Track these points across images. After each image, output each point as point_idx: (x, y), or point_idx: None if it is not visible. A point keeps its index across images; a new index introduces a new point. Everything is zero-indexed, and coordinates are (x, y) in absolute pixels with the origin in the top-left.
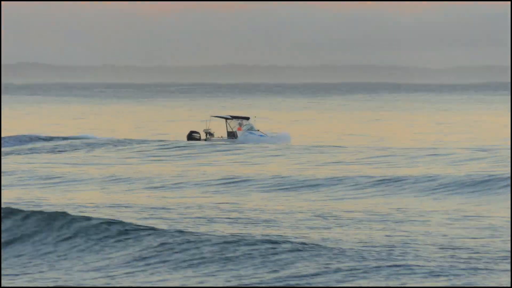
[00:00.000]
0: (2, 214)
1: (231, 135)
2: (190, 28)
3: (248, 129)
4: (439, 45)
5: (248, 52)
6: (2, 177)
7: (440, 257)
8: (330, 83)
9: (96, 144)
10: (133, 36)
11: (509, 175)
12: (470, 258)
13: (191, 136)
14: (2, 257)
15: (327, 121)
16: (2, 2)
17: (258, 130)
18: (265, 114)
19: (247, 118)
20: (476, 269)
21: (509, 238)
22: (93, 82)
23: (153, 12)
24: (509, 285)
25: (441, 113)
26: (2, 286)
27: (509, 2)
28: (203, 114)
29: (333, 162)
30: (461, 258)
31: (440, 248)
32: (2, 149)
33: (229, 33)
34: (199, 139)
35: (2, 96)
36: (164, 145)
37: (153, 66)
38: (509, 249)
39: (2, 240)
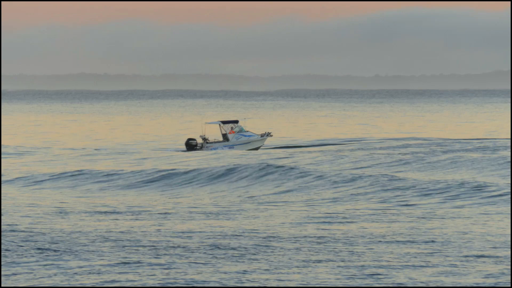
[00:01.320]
0: None
1: (225, 137)
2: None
3: (238, 131)
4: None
5: (96, 62)
6: None
7: None
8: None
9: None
10: None
11: None
12: None
13: (189, 143)
14: None
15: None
16: (2, 2)
17: (248, 131)
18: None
19: (236, 122)
20: None
21: None
22: None
23: None
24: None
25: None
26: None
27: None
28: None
29: None
30: None
31: None
32: None
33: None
34: (196, 145)
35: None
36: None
37: None
38: None
39: None
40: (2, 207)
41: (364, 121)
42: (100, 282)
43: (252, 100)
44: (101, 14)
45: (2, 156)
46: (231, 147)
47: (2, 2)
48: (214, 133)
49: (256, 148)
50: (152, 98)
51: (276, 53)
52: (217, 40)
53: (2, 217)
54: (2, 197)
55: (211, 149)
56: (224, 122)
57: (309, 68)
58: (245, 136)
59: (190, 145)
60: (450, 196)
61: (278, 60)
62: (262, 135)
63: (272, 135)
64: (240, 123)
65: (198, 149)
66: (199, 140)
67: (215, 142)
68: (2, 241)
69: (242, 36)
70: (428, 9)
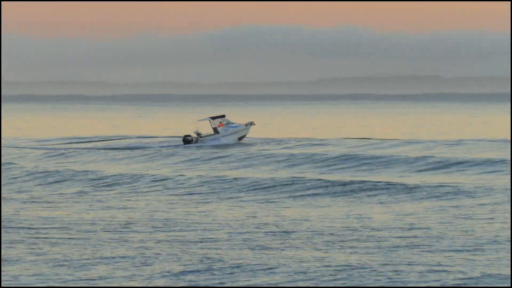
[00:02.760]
0: None
1: (215, 130)
2: None
3: (226, 124)
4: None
5: None
6: None
7: None
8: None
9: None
10: None
11: None
12: None
13: (185, 139)
14: None
15: None
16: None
17: (234, 123)
18: None
19: (223, 116)
20: None
21: None
22: None
23: None
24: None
25: None
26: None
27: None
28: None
29: None
30: None
31: None
32: None
33: None
34: (191, 140)
35: None
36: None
37: None
38: None
39: None
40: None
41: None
42: None
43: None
44: None
45: None
46: (221, 138)
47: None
48: (206, 128)
49: (243, 136)
50: None
51: (137, 63)
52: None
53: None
54: None
55: (204, 142)
56: (213, 118)
57: (163, 77)
58: (232, 127)
59: (187, 141)
60: None
61: (138, 68)
62: (246, 125)
63: (255, 124)
64: (226, 117)
65: (194, 143)
66: (194, 136)
67: (207, 136)
68: None
69: (107, 47)
70: (265, 25)
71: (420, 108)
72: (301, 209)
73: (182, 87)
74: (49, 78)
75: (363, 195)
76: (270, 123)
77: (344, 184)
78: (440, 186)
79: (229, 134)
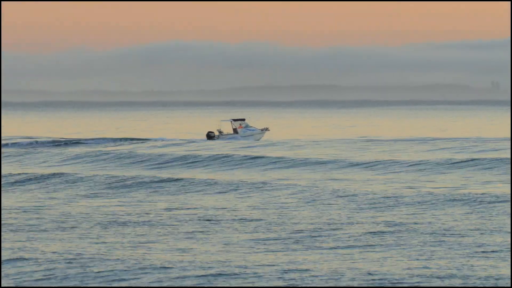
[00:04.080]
0: None
1: (235, 131)
2: None
3: (245, 127)
4: None
5: None
6: None
7: None
8: None
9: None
10: None
11: None
12: None
13: (209, 135)
14: None
15: None
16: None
17: (252, 127)
18: None
19: (243, 119)
20: None
21: None
22: None
23: None
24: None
25: None
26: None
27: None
28: None
29: None
30: None
31: None
32: None
33: None
34: (213, 136)
35: None
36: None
37: None
38: None
39: None
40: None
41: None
42: None
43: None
44: None
45: None
46: (239, 138)
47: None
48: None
49: (258, 139)
50: None
51: (71, 74)
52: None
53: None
54: None
55: (225, 138)
56: (235, 120)
57: (96, 86)
58: (250, 130)
59: (210, 136)
60: None
61: (75, 79)
62: (262, 130)
63: (269, 130)
64: (246, 121)
65: (215, 139)
66: (216, 133)
67: (227, 134)
68: None
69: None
70: (184, 41)
71: (310, 113)
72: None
73: (108, 95)
74: None
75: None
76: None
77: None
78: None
79: (246, 136)
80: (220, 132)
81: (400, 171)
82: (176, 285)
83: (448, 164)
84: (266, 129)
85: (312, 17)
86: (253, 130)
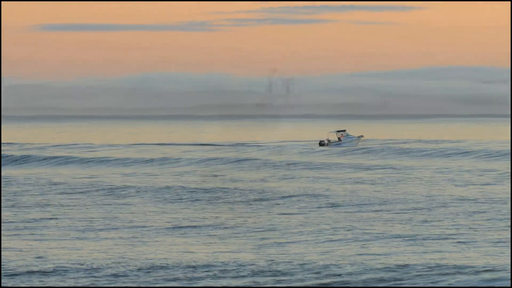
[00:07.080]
0: None
1: (339, 139)
2: None
3: (346, 136)
4: None
5: None
6: None
7: None
8: None
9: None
10: None
11: None
12: None
13: (320, 142)
14: None
15: None
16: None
17: (351, 135)
18: None
19: (344, 130)
20: None
21: None
22: None
23: None
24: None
25: None
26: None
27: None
28: None
29: None
30: None
31: None
32: None
33: None
34: (324, 143)
35: None
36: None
37: None
38: None
39: None
40: None
41: None
42: None
43: None
44: None
45: None
46: (342, 144)
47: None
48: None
49: (356, 145)
50: None
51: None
52: None
53: None
54: None
55: (332, 146)
56: (338, 131)
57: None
58: (350, 137)
59: (321, 144)
60: None
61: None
62: (358, 137)
63: (363, 137)
64: (347, 131)
65: (325, 146)
66: (326, 141)
67: (333, 142)
68: None
69: None
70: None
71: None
72: None
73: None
74: None
75: None
76: None
77: None
78: None
79: (347, 142)
80: (328, 140)
81: None
82: None
83: None
84: (361, 136)
85: None
86: (351, 137)
